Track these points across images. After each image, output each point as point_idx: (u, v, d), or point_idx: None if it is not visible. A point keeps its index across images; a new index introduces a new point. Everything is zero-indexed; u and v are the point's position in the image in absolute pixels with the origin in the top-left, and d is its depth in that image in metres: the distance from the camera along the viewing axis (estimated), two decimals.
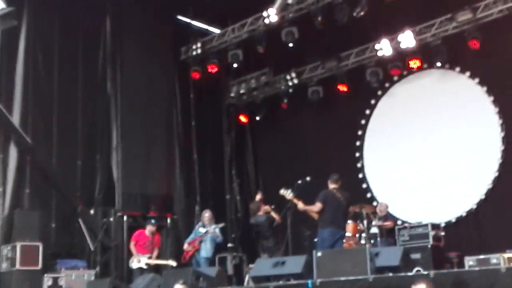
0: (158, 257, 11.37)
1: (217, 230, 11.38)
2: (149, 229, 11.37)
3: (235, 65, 13.89)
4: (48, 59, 12.28)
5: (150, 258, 11.16)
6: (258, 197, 12.36)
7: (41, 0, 11.13)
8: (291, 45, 12.69)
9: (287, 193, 9.86)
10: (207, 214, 11.64)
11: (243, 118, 15.09)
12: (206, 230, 11.32)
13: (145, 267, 11.06)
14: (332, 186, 9.72)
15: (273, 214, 10.69)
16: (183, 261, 11.40)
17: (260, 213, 10.74)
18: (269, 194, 13.20)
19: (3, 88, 11.66)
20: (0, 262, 10.86)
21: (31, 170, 11.68)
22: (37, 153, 11.80)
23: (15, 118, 11.63)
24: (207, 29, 14.78)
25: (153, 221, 11.51)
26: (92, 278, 11.11)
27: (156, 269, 11.31)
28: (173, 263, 11.21)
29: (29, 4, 11.79)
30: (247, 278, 10.80)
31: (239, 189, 15.01)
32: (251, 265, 11.10)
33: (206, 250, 11.24)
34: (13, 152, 11.51)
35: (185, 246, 11.43)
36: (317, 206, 9.48)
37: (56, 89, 12.34)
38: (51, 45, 12.36)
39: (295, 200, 9.82)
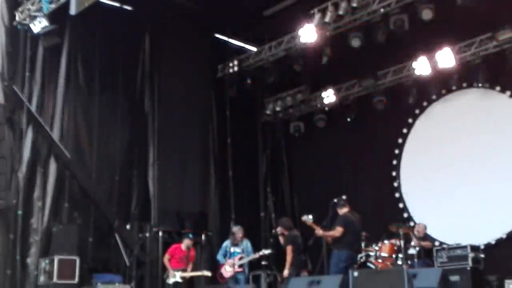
0: (192, 271, 11.39)
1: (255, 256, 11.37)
2: (186, 243, 11.37)
3: (271, 83, 13.95)
4: (88, 76, 12.55)
5: (184, 271, 11.16)
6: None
7: (82, 18, 11.34)
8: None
9: (308, 219, 10.15)
10: (237, 230, 11.60)
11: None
12: (253, 255, 11.29)
13: (180, 280, 11.05)
14: (344, 210, 9.93)
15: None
16: (222, 281, 11.36)
17: None
18: (304, 212, 13.14)
19: (45, 104, 11.92)
20: (38, 275, 11.01)
21: (70, 184, 11.88)
22: (76, 168, 11.99)
23: (56, 133, 11.86)
24: (243, 47, 14.90)
25: (190, 235, 11.50)
26: None
27: (191, 286, 11.31)
28: (207, 273, 11.22)
29: (71, 22, 12.04)
30: None
31: (274, 207, 14.97)
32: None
33: (245, 274, 11.25)
34: (53, 167, 11.72)
35: (228, 266, 11.39)
36: (339, 230, 9.68)
37: (96, 105, 12.58)
38: (92, 62, 12.61)
39: (314, 226, 10.09)
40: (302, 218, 10.46)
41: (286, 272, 10.15)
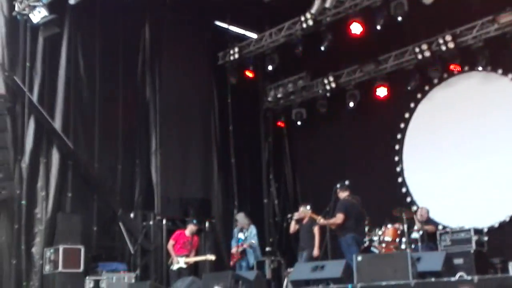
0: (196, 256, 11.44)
1: (254, 243, 11.38)
2: (190, 228, 11.37)
3: (272, 70, 13.92)
4: (89, 65, 12.53)
5: (187, 256, 11.16)
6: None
7: (82, 8, 11.33)
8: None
9: (306, 210, 10.40)
10: (238, 218, 11.61)
11: (280, 123, 15.16)
12: (248, 242, 11.32)
13: (184, 266, 11.06)
14: (345, 194, 9.98)
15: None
16: (232, 265, 11.47)
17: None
18: (307, 198, 13.18)
19: (46, 94, 11.91)
20: (43, 265, 11.09)
21: (73, 174, 11.91)
22: (79, 157, 12.02)
23: (57, 123, 11.88)
24: (244, 34, 14.84)
25: (194, 221, 11.51)
26: (133, 280, 11.28)
27: (195, 272, 11.37)
28: (211, 257, 11.27)
29: (70, 12, 12.01)
30: (286, 282, 10.78)
31: (277, 193, 15.00)
32: (289, 269, 11.09)
33: (247, 262, 11.30)
34: (55, 157, 11.75)
35: (234, 252, 11.49)
36: (340, 217, 9.70)
37: (97, 94, 12.58)
38: (92, 52, 12.60)
39: (314, 216, 10.23)
40: (300, 210, 10.61)
41: (316, 252, 10.24)
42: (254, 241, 11.43)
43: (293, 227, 11.05)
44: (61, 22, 11.71)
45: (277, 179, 15.12)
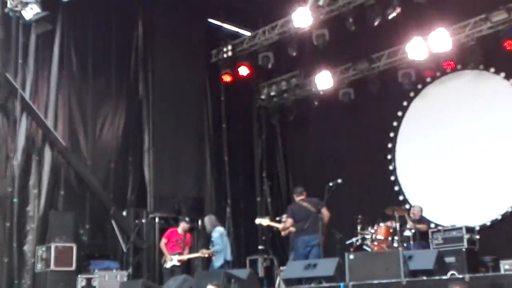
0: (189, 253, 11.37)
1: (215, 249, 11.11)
2: (182, 226, 11.32)
3: (266, 67, 13.89)
4: (81, 62, 12.49)
5: (181, 254, 11.11)
6: None
7: (75, 5, 11.29)
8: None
9: (263, 221, 10.79)
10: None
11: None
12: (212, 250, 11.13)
13: (177, 264, 11.02)
14: (298, 198, 10.18)
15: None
16: None
17: None
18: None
19: (39, 91, 11.86)
20: (35, 263, 11.06)
21: (66, 172, 11.86)
22: (71, 155, 11.97)
23: (50, 121, 11.83)
24: (237, 32, 14.82)
25: (187, 218, 11.45)
26: (125, 279, 11.23)
27: (187, 270, 11.35)
28: (204, 254, 11.19)
29: (63, 9, 11.96)
30: (278, 280, 10.78)
31: (270, 191, 14.98)
32: (282, 268, 11.08)
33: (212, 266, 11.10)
34: (47, 154, 11.70)
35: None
36: (288, 221, 10.10)
37: (90, 91, 12.55)
38: (85, 49, 12.56)
39: (272, 224, 10.66)
40: (256, 222, 10.85)
41: None
42: (215, 247, 11.00)
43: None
44: (53, 19, 11.63)
45: (270, 177, 15.10)
